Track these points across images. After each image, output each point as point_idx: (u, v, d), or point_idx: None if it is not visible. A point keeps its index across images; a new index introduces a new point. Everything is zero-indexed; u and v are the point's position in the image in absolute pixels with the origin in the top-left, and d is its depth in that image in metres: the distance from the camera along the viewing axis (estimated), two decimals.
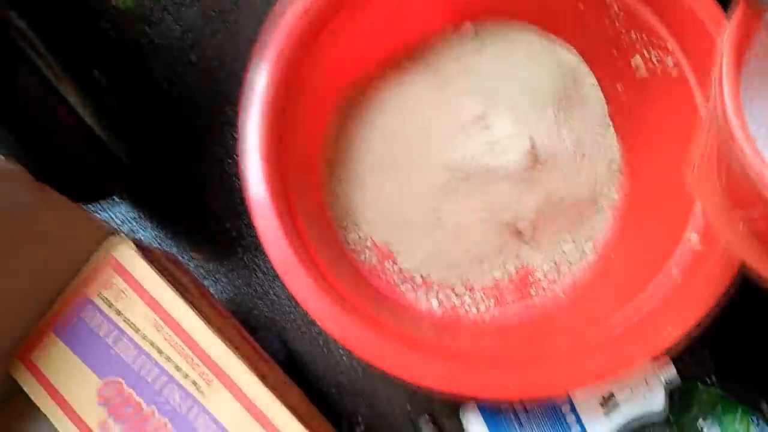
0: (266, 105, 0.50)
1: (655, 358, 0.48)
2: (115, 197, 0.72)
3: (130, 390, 0.45)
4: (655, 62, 0.57)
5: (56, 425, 0.45)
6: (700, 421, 0.62)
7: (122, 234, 0.48)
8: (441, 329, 0.58)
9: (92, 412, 0.45)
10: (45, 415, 0.45)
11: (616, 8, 0.58)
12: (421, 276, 0.62)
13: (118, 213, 0.72)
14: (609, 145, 0.65)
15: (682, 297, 0.49)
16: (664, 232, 0.56)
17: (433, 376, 0.46)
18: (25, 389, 0.46)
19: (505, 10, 0.65)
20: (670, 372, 0.63)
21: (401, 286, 0.62)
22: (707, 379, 0.67)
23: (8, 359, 0.46)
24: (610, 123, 0.65)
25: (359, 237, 0.62)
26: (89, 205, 0.70)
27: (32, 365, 0.46)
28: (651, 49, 0.57)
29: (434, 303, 0.61)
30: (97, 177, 0.64)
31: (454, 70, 0.64)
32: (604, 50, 0.62)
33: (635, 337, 0.48)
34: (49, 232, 0.44)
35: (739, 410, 0.61)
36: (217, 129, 0.73)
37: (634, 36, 0.58)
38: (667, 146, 0.58)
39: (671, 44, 0.55)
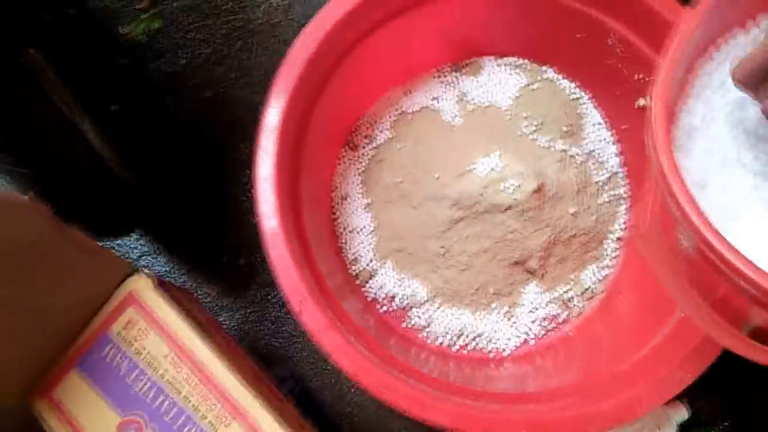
0: (279, 142, 0.51)
1: (668, 402, 0.48)
2: (133, 232, 0.72)
3: (150, 429, 0.45)
4: None
5: None
6: None
7: (143, 272, 0.49)
8: (450, 366, 0.58)
9: None
10: None
11: (619, 51, 0.59)
12: (430, 309, 0.62)
13: (135, 248, 0.73)
14: (615, 178, 0.66)
15: (691, 342, 0.49)
16: None
17: (443, 412, 0.46)
18: (46, 425, 0.46)
19: (505, 47, 0.67)
20: (682, 415, 0.62)
21: (410, 319, 0.62)
22: (720, 425, 0.67)
23: (31, 395, 0.47)
24: (616, 155, 0.66)
25: (368, 269, 0.63)
26: (109, 241, 0.71)
27: (54, 401, 0.46)
28: None
29: (442, 338, 0.62)
30: (117, 213, 0.65)
31: (457, 108, 0.66)
32: (609, 89, 0.64)
33: (645, 382, 0.48)
34: (70, 269, 0.45)
35: None
36: (232, 166, 0.74)
37: (637, 77, 0.60)
38: None
39: None
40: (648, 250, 0.46)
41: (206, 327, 0.52)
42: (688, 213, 0.34)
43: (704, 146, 0.41)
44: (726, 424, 0.67)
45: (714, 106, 0.41)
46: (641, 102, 0.60)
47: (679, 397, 0.64)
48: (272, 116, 0.51)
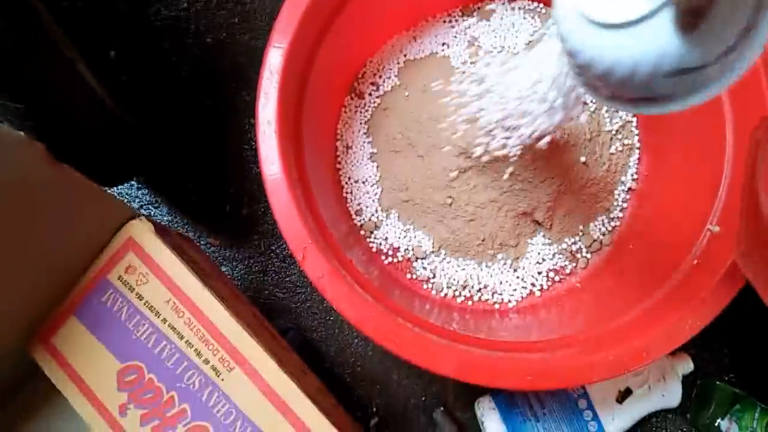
0: (281, 84, 0.50)
1: (673, 352, 0.47)
2: (134, 182, 0.72)
3: (151, 375, 0.45)
4: None
5: (76, 408, 0.45)
6: (718, 419, 0.61)
7: (142, 217, 0.48)
8: (455, 316, 0.57)
9: (112, 397, 0.45)
10: (65, 398, 0.45)
11: None
12: (435, 260, 0.61)
13: (136, 197, 0.72)
14: (627, 126, 0.64)
15: (702, 290, 0.48)
16: (685, 220, 0.55)
17: (447, 360, 0.46)
18: (46, 372, 0.46)
19: None
20: (688, 367, 0.62)
21: (415, 270, 0.62)
22: (725, 377, 0.67)
23: (29, 341, 0.46)
24: None
25: (372, 219, 0.62)
26: (109, 187, 0.70)
27: (52, 348, 0.46)
28: None
29: (446, 290, 0.61)
30: (116, 160, 0.64)
31: (467, 54, 0.63)
32: None
33: (653, 330, 0.48)
34: (69, 212, 0.44)
35: (758, 408, 0.60)
36: (234, 114, 0.72)
37: None
38: (687, 127, 0.58)
39: None
40: (752, 268, 0.44)
41: (208, 273, 0.51)
42: None
43: None
44: (731, 376, 0.67)
45: None
46: None
47: (685, 349, 0.64)
48: (274, 57, 0.50)
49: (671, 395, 0.61)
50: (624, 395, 0.60)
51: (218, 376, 0.45)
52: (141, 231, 0.47)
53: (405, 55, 0.65)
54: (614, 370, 0.46)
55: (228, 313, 0.46)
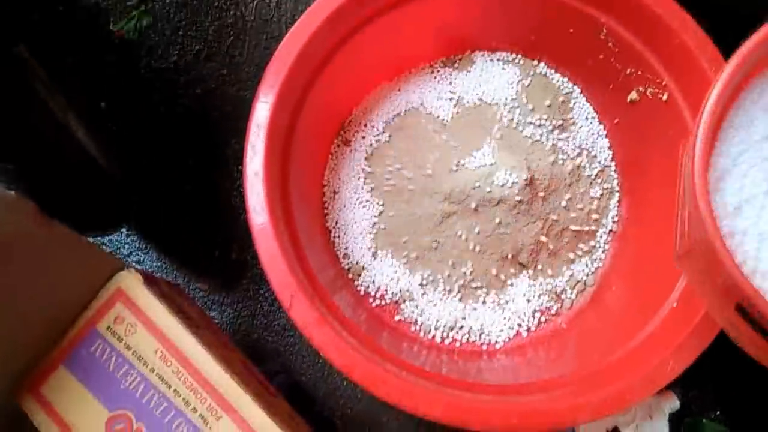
0: (268, 137, 0.51)
1: (660, 392, 0.48)
2: (123, 229, 0.72)
3: (140, 424, 0.45)
4: (650, 95, 0.59)
5: None
6: None
7: (132, 267, 0.48)
8: (443, 358, 0.58)
9: None
10: None
11: (611, 44, 0.60)
12: (422, 302, 0.62)
13: (125, 244, 0.73)
14: (605, 170, 0.66)
15: (682, 332, 0.49)
16: (665, 262, 0.56)
17: (435, 404, 0.46)
18: (35, 422, 0.46)
19: (497, 41, 0.67)
20: (674, 405, 0.63)
21: (402, 312, 0.62)
22: (712, 414, 0.67)
23: (18, 392, 0.46)
24: (608, 148, 0.66)
25: (360, 262, 0.63)
26: (97, 237, 0.71)
27: (42, 398, 0.46)
28: (647, 85, 0.59)
29: (434, 331, 0.61)
30: (105, 209, 0.64)
31: (449, 103, 0.66)
32: (600, 83, 0.64)
33: (636, 373, 0.48)
34: (58, 266, 0.45)
35: None
36: (223, 162, 0.74)
37: (630, 71, 0.60)
38: (664, 171, 0.59)
39: (667, 80, 0.57)
40: (689, 270, 0.46)
41: (197, 322, 0.52)
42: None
43: (739, 179, 0.42)
44: (717, 413, 0.67)
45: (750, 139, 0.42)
46: (633, 96, 0.60)
47: (671, 387, 0.65)
48: (261, 111, 0.51)
49: None
50: None
51: (206, 425, 0.45)
52: (130, 282, 0.47)
53: (389, 105, 0.67)
54: (597, 413, 0.47)
55: (216, 361, 0.46)
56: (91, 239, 0.51)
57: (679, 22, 0.54)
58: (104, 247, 0.72)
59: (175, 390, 0.46)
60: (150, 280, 0.49)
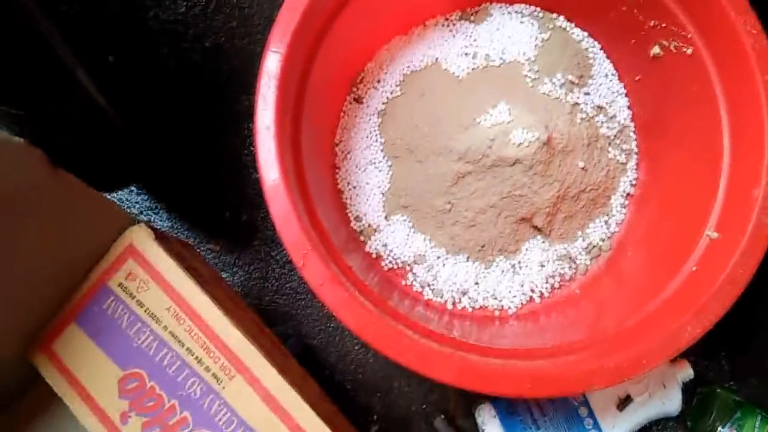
0: (279, 90, 0.50)
1: (673, 359, 0.47)
2: (133, 187, 0.71)
3: (152, 383, 0.45)
4: (673, 50, 0.57)
5: (78, 416, 0.45)
6: (719, 427, 0.61)
7: (143, 223, 0.47)
8: (455, 323, 0.57)
9: (113, 404, 0.45)
10: (67, 405, 0.45)
11: None
12: (434, 266, 0.61)
13: (135, 203, 0.72)
14: (624, 131, 0.64)
15: (702, 296, 0.48)
16: (684, 226, 0.55)
17: (447, 368, 0.45)
18: (47, 379, 0.46)
19: None
20: (688, 374, 0.62)
21: (415, 276, 0.62)
22: (726, 385, 0.67)
23: (30, 348, 0.46)
24: (627, 107, 0.65)
25: (372, 224, 0.62)
26: (107, 195, 0.70)
27: (53, 355, 0.46)
28: (671, 38, 0.57)
29: (446, 295, 0.61)
30: (114, 165, 0.64)
31: (464, 58, 0.64)
32: (622, 38, 0.62)
33: (653, 337, 0.48)
34: (68, 218, 0.44)
35: (759, 416, 0.60)
36: (233, 119, 0.72)
37: (653, 23, 0.58)
38: (685, 131, 0.58)
39: (692, 33, 0.55)
40: None
41: (208, 280, 0.51)
42: None
43: None
44: (731, 383, 0.67)
45: None
46: (656, 50, 0.58)
47: (685, 356, 0.64)
48: (272, 62, 0.50)
49: (671, 403, 0.61)
50: (624, 403, 0.60)
51: (219, 384, 0.45)
52: (141, 238, 0.47)
53: (403, 60, 0.65)
54: (614, 378, 0.46)
55: (228, 320, 0.46)
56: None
57: None
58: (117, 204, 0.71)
59: (188, 348, 0.45)
60: (161, 237, 0.48)
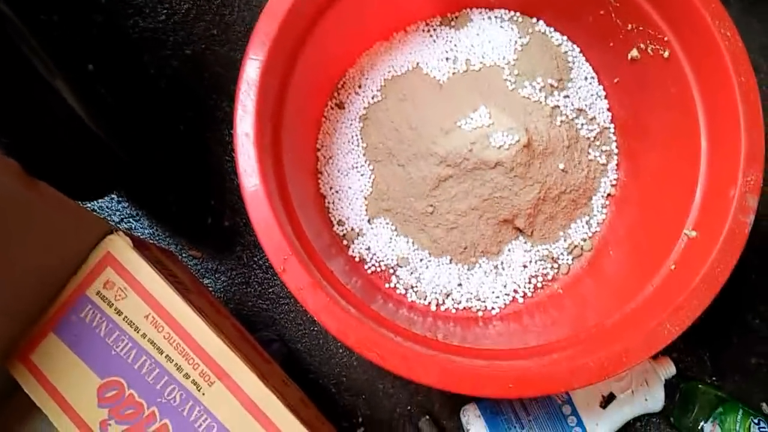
0: (259, 96, 0.50)
1: (655, 356, 0.48)
2: (114, 195, 0.71)
3: (132, 391, 0.44)
4: (651, 53, 0.58)
5: (57, 425, 0.44)
6: (702, 422, 0.62)
7: (120, 231, 0.47)
8: (438, 324, 0.57)
9: (93, 412, 0.44)
10: (46, 415, 0.45)
11: (612, 0, 0.58)
12: (417, 268, 0.62)
13: (116, 210, 0.71)
14: (605, 132, 0.65)
15: (681, 294, 0.49)
16: (663, 225, 0.56)
17: (429, 370, 0.45)
18: (25, 389, 0.45)
19: None
20: (670, 371, 0.63)
21: (398, 278, 0.62)
22: (707, 380, 0.67)
23: (8, 358, 0.46)
24: (607, 110, 0.65)
25: (354, 228, 0.62)
26: (87, 203, 0.70)
27: (32, 365, 0.45)
28: (649, 42, 0.57)
29: (430, 297, 0.61)
30: (94, 174, 0.63)
31: (445, 63, 0.64)
32: (600, 41, 0.62)
33: (634, 335, 0.48)
34: (44, 229, 0.43)
35: (740, 411, 0.61)
36: (214, 125, 0.72)
37: (631, 27, 0.58)
38: (663, 132, 0.59)
39: (669, 36, 0.55)
40: None
41: (188, 287, 0.51)
42: None
43: None
44: (714, 378, 0.68)
45: None
46: (634, 53, 0.59)
47: (667, 353, 0.65)
48: (251, 70, 0.50)
49: (654, 399, 0.62)
50: (608, 400, 0.61)
51: (199, 391, 0.44)
52: (119, 246, 0.46)
53: (384, 65, 0.65)
54: (596, 376, 0.46)
55: (208, 326, 0.46)
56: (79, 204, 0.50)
57: None
58: (91, 212, 0.71)
59: (167, 356, 0.45)
60: (140, 244, 0.48)
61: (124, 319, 0.45)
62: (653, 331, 0.47)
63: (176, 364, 0.45)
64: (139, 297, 0.46)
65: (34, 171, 0.42)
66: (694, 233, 0.51)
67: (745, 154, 0.50)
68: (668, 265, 0.52)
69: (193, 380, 0.45)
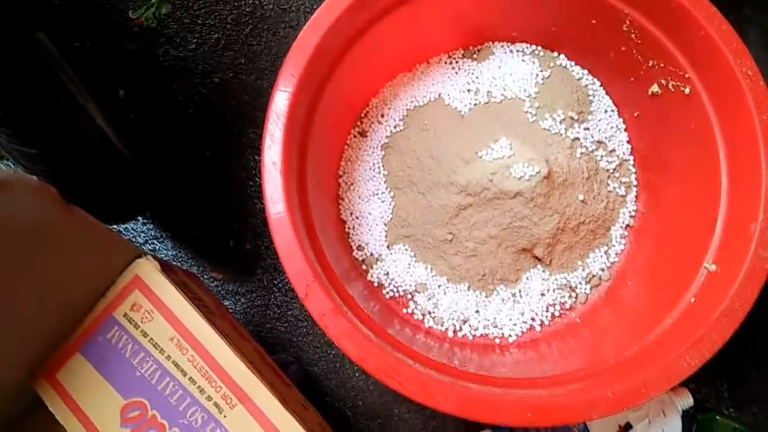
0: (287, 127, 0.51)
1: (673, 388, 0.47)
2: (139, 217, 0.73)
3: (154, 411, 0.45)
4: (672, 89, 0.58)
5: None
6: None
7: (149, 255, 0.48)
8: (455, 351, 0.58)
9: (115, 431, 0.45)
10: None
11: (634, 36, 0.59)
12: (436, 294, 0.62)
13: (141, 232, 0.73)
14: (624, 165, 0.65)
15: (701, 327, 0.49)
16: (682, 258, 0.56)
17: (447, 397, 0.46)
18: (49, 406, 0.46)
19: (517, 32, 0.67)
20: (688, 402, 0.62)
21: (416, 304, 0.62)
22: (725, 411, 0.67)
23: (34, 376, 0.47)
24: (626, 142, 0.66)
25: (374, 254, 0.63)
26: (114, 226, 0.72)
27: (57, 383, 0.46)
28: (669, 78, 0.58)
29: (447, 324, 0.61)
30: (124, 197, 0.65)
31: (467, 94, 0.65)
32: (621, 76, 0.63)
33: (653, 367, 0.48)
34: (77, 252, 0.45)
35: None
36: (239, 152, 0.74)
37: (652, 63, 0.59)
38: (683, 166, 0.59)
39: (690, 73, 0.56)
40: None
41: (212, 310, 0.52)
42: None
43: None
44: (731, 410, 0.67)
45: None
46: (654, 88, 0.60)
47: (685, 384, 0.64)
48: (281, 100, 0.51)
49: (671, 430, 0.61)
50: (624, 430, 0.60)
51: (221, 413, 0.45)
52: (147, 269, 0.48)
53: (407, 96, 0.66)
54: (613, 408, 0.46)
55: (231, 350, 0.46)
56: (108, 227, 0.51)
57: (704, 14, 0.53)
58: (120, 235, 0.72)
59: (190, 378, 0.46)
60: (167, 268, 0.49)
61: (149, 341, 0.46)
62: (672, 363, 0.47)
63: (199, 386, 0.45)
64: (165, 319, 0.47)
65: (68, 195, 0.44)
66: (714, 267, 0.52)
67: (766, 189, 0.50)
68: (688, 297, 0.52)
69: (215, 402, 0.45)
